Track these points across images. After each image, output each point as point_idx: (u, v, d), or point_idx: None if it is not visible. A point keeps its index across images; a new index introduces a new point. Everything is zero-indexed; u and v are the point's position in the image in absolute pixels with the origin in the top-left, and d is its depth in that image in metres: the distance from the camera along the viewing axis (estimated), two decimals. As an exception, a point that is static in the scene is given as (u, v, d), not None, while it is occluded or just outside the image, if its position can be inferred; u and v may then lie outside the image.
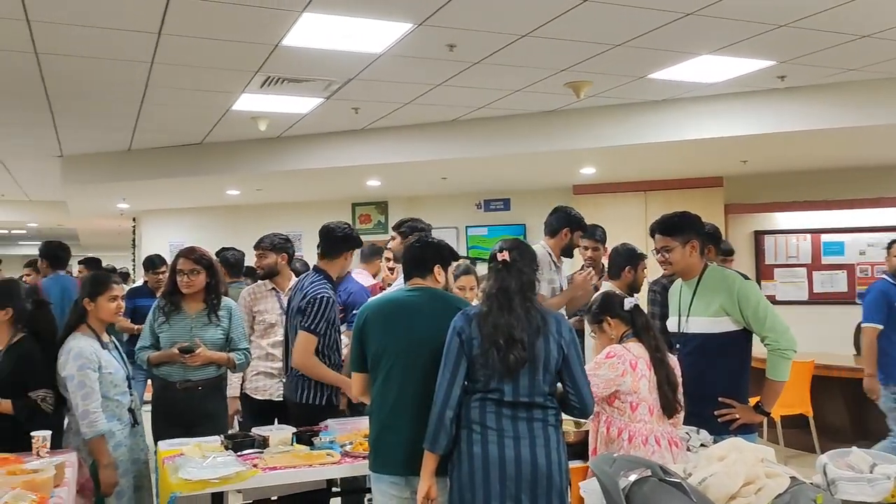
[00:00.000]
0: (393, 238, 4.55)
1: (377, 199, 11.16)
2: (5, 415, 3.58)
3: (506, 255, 2.92)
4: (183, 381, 4.07)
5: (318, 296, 3.89)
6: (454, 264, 3.69)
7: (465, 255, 10.33)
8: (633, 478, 2.22)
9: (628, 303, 3.39)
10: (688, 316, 3.67)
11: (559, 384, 2.91)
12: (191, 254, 4.14)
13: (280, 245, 4.79)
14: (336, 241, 4.13)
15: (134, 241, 15.33)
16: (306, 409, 4.01)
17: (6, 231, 20.12)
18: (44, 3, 4.20)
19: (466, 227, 10.70)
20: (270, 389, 4.70)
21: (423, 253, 3.24)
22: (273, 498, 3.83)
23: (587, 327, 3.75)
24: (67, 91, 6.19)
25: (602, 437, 3.25)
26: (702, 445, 3.39)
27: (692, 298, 3.67)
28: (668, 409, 3.22)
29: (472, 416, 2.81)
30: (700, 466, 2.62)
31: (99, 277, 3.86)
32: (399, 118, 7.35)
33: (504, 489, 2.72)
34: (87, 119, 7.33)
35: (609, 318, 3.37)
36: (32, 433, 3.38)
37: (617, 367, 3.19)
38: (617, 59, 5.41)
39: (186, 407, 4.04)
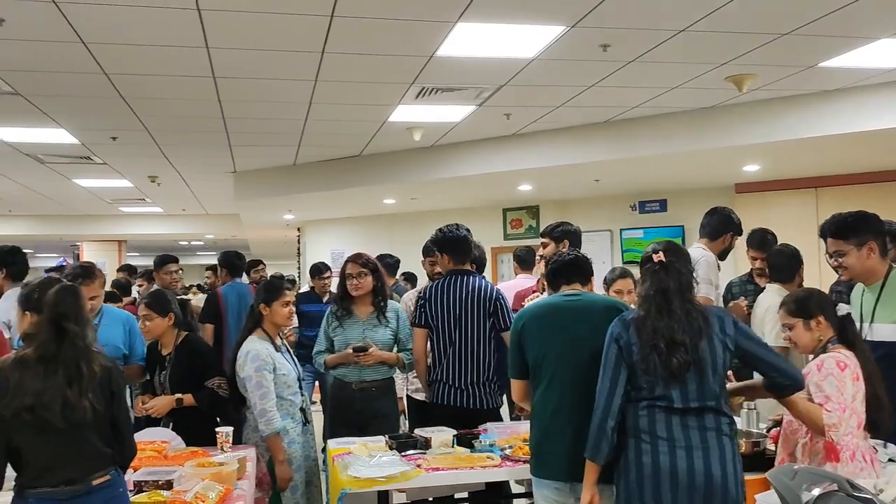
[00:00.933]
0: (544, 244, 4.53)
1: (528, 203, 11.15)
2: (189, 409, 3.90)
3: (661, 256, 2.82)
4: (359, 381, 4.26)
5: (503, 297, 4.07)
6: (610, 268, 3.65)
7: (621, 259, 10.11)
8: (816, 492, 2.08)
9: (844, 308, 3.10)
10: (871, 322, 3.38)
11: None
12: (358, 258, 4.35)
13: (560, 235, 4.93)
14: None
15: (299, 249, 16.22)
16: (467, 413, 4.09)
17: (186, 242, 21.87)
18: (221, 30, 4.55)
19: (621, 229, 10.45)
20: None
21: (583, 260, 3.26)
22: (430, 499, 3.92)
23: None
24: (241, 112, 6.66)
25: (806, 448, 2.99)
26: (889, 461, 3.12)
27: (875, 304, 3.38)
28: (873, 426, 2.97)
29: (640, 425, 2.74)
30: (892, 483, 2.41)
31: (274, 284, 4.12)
32: (551, 121, 7.31)
33: (676, 502, 2.64)
34: (257, 137, 7.85)
35: (822, 318, 3.05)
36: (217, 429, 3.66)
37: (852, 374, 2.93)
38: (784, 48, 5.10)
39: (363, 407, 4.23)
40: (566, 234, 4.34)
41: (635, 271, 3.51)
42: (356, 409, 4.23)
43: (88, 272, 4.01)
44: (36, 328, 2.52)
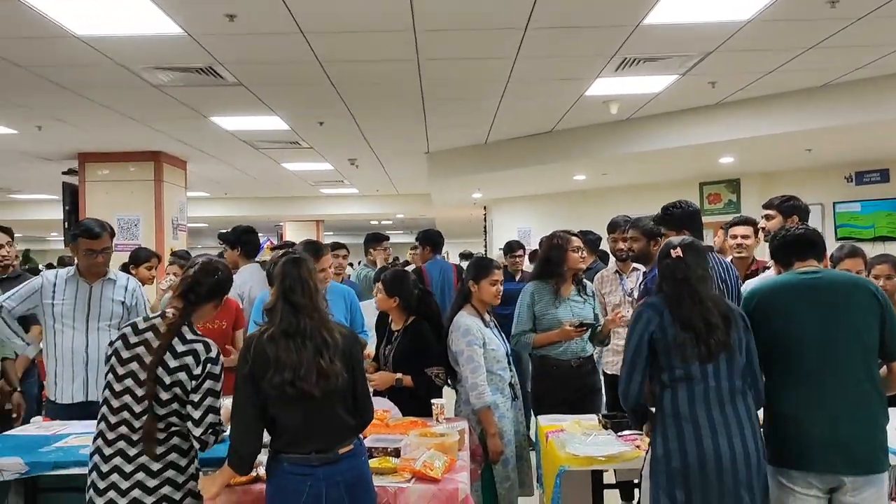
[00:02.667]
0: (768, 217, 4.23)
1: (728, 176, 10.54)
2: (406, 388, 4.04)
3: (679, 252, 2.86)
4: (576, 358, 4.24)
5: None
6: (838, 244, 3.36)
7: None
8: None
9: None
10: None
11: None
12: (581, 235, 4.31)
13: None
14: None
15: (485, 227, 16.44)
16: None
17: (376, 222, 22.87)
18: (429, 13, 4.65)
19: (834, 203, 9.62)
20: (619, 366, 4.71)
21: (816, 235, 3.01)
22: (634, 481, 3.81)
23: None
24: (439, 94, 6.81)
25: None
26: None
27: None
28: None
29: (679, 409, 2.72)
30: None
31: (483, 263, 4.16)
32: (760, 88, 6.84)
33: (722, 485, 2.63)
34: (452, 118, 8.01)
35: None
36: (433, 401, 3.77)
37: None
38: None
39: (579, 384, 4.21)
40: (795, 209, 4.02)
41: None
42: (572, 386, 4.21)
43: (316, 249, 4.24)
44: (272, 302, 2.66)
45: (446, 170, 10.63)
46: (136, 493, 2.61)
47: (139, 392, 2.66)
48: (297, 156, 10.48)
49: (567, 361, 4.22)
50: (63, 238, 10.19)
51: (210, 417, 2.67)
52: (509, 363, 4.10)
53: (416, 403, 3.89)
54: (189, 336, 2.73)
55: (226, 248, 5.45)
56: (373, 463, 3.00)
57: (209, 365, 2.69)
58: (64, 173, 10.29)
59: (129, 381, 2.68)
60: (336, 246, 5.87)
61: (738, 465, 2.64)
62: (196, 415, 2.65)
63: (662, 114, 7.91)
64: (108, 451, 2.65)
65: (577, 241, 4.30)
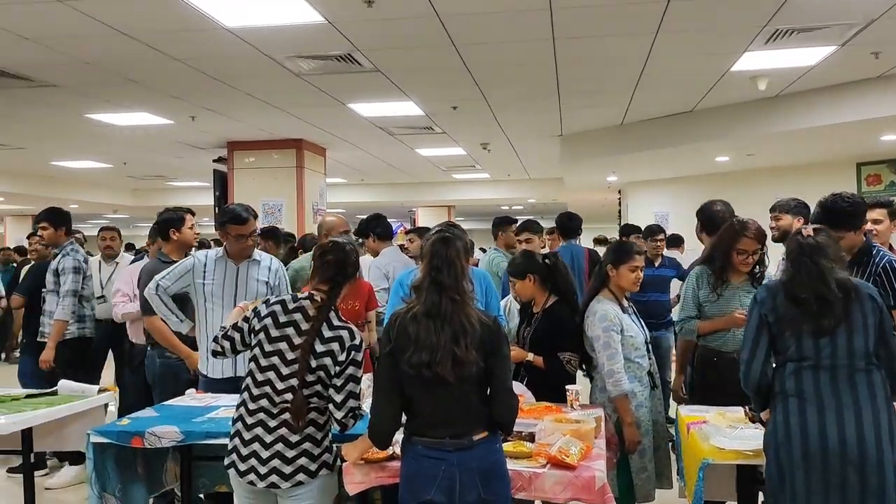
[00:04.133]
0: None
1: (891, 156, 9.70)
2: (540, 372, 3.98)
3: (810, 231, 2.84)
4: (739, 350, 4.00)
5: None
6: None
7: None
8: None
9: None
10: None
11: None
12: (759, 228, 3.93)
13: (797, 209, 4.44)
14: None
15: (619, 211, 16.03)
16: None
17: (507, 207, 22.83)
18: (565, -10, 4.54)
19: None
20: None
21: None
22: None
23: None
24: (574, 74, 6.66)
25: None
26: None
27: None
28: None
29: (788, 386, 2.71)
30: None
31: (624, 247, 4.02)
32: (932, 58, 6.23)
33: (827, 468, 2.58)
34: (587, 99, 7.82)
35: None
36: (567, 387, 3.69)
37: None
38: None
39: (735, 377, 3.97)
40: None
41: None
42: (734, 378, 3.97)
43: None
44: (420, 280, 2.66)
45: (580, 153, 10.42)
46: (276, 462, 2.72)
47: (284, 370, 2.75)
48: (431, 141, 10.59)
49: (730, 353, 3.89)
50: (213, 222, 10.82)
51: (351, 402, 2.74)
52: (648, 351, 3.95)
53: (549, 389, 3.83)
54: (335, 322, 2.80)
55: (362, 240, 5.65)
56: (507, 446, 2.97)
57: (353, 352, 2.75)
58: (214, 161, 10.91)
59: (275, 359, 2.77)
60: (508, 221, 6.07)
61: (847, 448, 2.57)
62: (338, 398, 2.73)
63: (816, 89, 7.37)
64: (249, 420, 2.77)
65: (755, 227, 3.89)
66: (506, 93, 7.46)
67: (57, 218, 5.37)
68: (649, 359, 3.94)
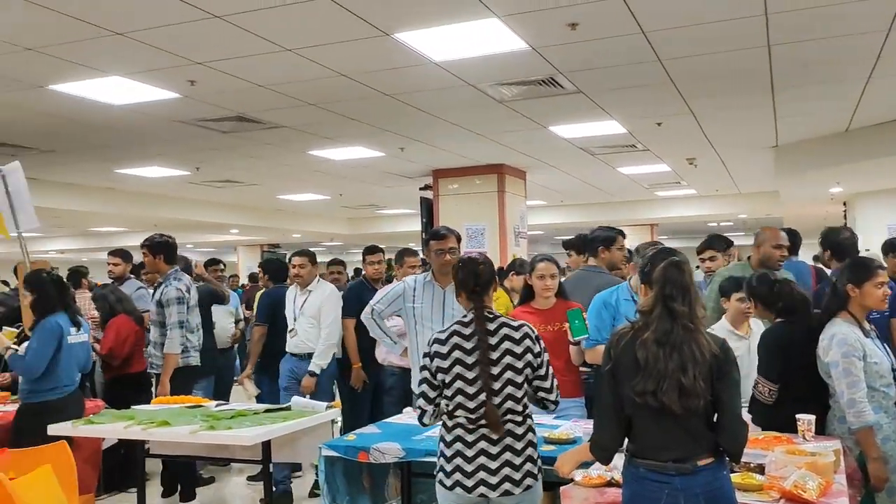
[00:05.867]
0: None
1: None
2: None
3: None
4: None
5: None
6: None
7: None
8: None
9: None
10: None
11: None
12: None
13: None
14: None
15: (845, 225, 14.69)
16: None
17: (715, 224, 21.68)
18: (782, -7, 4.28)
19: None
20: None
21: None
22: None
23: None
24: (792, 80, 6.24)
25: None
26: None
27: None
28: None
29: None
30: None
31: (864, 262, 3.68)
32: None
33: None
34: (806, 105, 7.28)
35: None
36: (798, 416, 3.42)
37: None
38: None
39: None
40: None
41: None
42: None
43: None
44: (649, 304, 2.57)
45: (798, 163, 9.69)
46: (482, 474, 2.84)
47: (471, 389, 2.86)
48: (633, 159, 10.37)
49: None
50: (420, 247, 11.31)
51: (554, 380, 2.97)
52: (894, 379, 3.57)
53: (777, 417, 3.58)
54: (514, 322, 2.96)
55: (570, 253, 5.57)
56: (735, 478, 2.81)
57: (539, 340, 2.96)
58: (421, 189, 11.41)
59: (479, 380, 2.86)
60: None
61: None
62: (546, 384, 2.95)
63: None
64: (470, 437, 2.87)
65: None
66: (714, 105, 7.14)
67: (156, 247, 5.18)
68: (896, 387, 3.56)
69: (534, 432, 2.95)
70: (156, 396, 5.09)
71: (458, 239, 4.39)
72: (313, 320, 5.35)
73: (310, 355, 5.30)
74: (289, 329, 5.44)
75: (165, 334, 5.04)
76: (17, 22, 4.52)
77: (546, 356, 2.96)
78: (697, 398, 2.40)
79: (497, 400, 2.85)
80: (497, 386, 2.85)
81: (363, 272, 5.95)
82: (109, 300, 5.66)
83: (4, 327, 4.53)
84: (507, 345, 2.90)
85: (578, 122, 7.82)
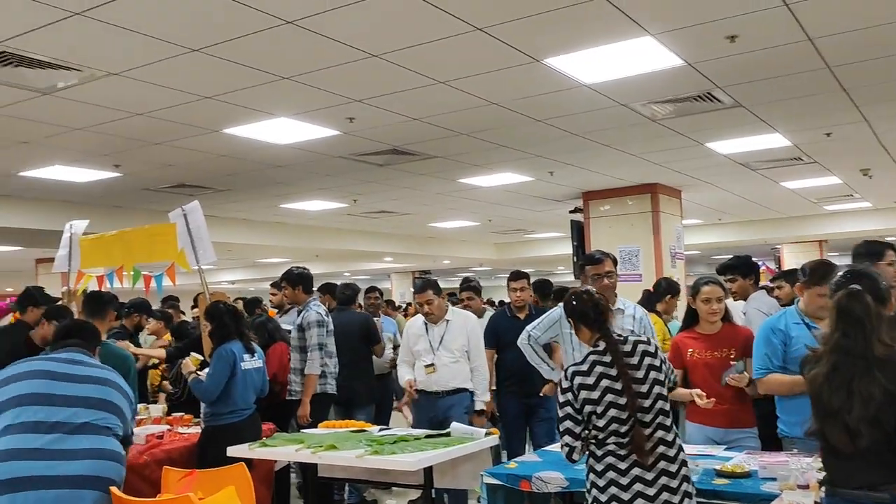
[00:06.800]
0: None
1: None
2: None
3: None
4: None
5: None
6: None
7: None
8: None
9: None
10: None
11: None
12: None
13: None
14: None
15: None
16: None
17: (894, 238, 19.97)
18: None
19: None
20: None
21: None
22: None
23: None
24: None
25: None
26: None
27: None
28: None
29: None
30: None
31: None
32: None
33: None
34: None
35: None
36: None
37: None
38: None
39: None
40: None
41: None
42: None
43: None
44: (825, 336, 2.47)
45: None
46: (639, 502, 2.76)
47: (624, 415, 2.80)
48: (798, 172, 9.75)
49: None
50: (572, 271, 11.15)
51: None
52: None
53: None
54: (641, 337, 3.00)
55: (735, 278, 5.19)
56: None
57: (658, 350, 2.96)
58: (571, 212, 11.29)
59: (626, 408, 2.81)
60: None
61: None
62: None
63: None
64: (622, 465, 2.80)
65: None
66: (891, 111, 6.59)
67: (295, 279, 5.54)
68: None
69: (683, 450, 2.87)
70: (296, 419, 5.28)
71: (615, 262, 4.29)
72: (457, 353, 4.97)
73: (448, 392, 4.94)
74: (425, 364, 4.97)
75: (305, 360, 5.26)
76: (197, 73, 4.93)
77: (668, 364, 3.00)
78: (863, 438, 2.28)
79: (648, 417, 2.80)
80: (647, 403, 2.81)
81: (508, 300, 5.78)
82: (268, 328, 5.98)
83: (193, 353, 4.87)
84: (647, 360, 2.88)
85: (738, 137, 7.46)
